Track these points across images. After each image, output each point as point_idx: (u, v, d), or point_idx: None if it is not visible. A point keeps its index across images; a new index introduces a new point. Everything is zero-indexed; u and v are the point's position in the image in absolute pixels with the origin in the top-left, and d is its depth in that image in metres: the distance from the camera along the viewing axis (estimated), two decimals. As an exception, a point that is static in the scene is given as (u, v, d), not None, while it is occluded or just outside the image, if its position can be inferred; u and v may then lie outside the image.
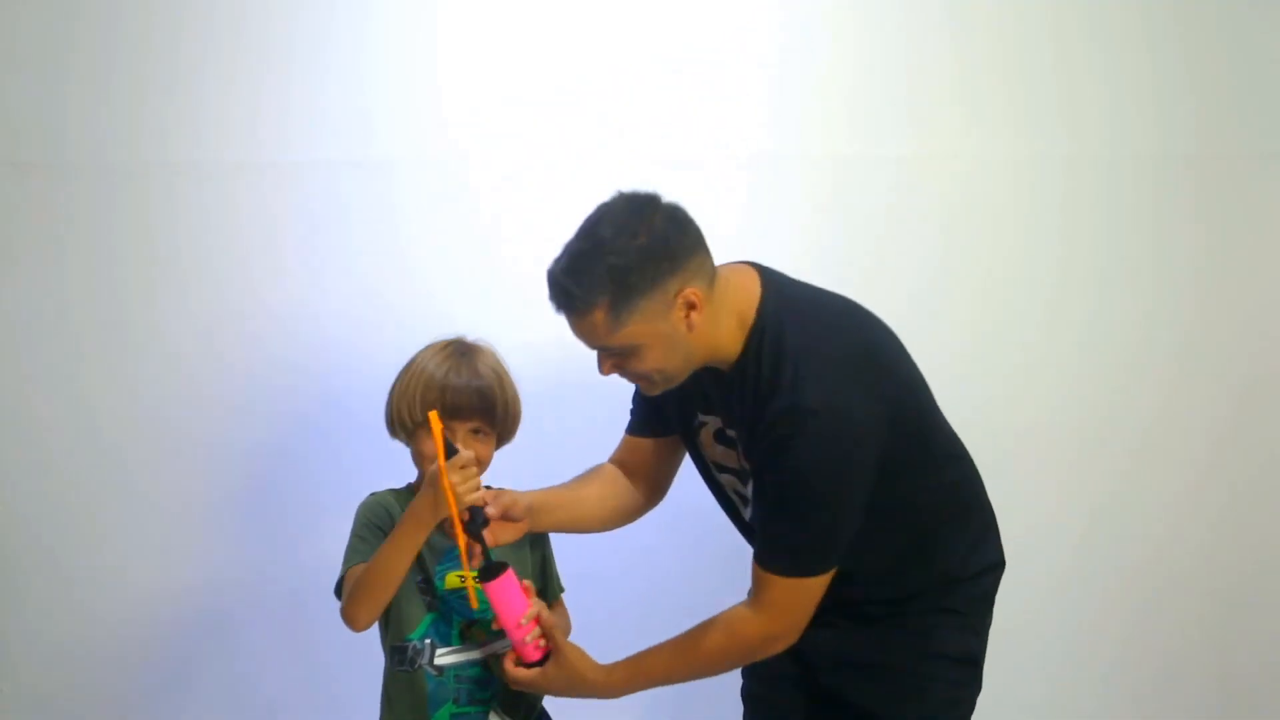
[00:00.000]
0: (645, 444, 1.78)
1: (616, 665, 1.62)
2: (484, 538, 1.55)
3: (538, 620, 1.58)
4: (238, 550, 2.24)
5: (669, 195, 1.51)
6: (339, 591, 1.63)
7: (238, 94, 2.18)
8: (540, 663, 1.59)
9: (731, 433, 1.61)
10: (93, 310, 2.20)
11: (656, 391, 1.58)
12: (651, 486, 1.81)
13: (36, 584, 2.24)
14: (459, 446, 1.55)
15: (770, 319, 1.53)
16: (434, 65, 2.21)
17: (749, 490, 1.62)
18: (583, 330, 1.51)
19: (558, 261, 1.51)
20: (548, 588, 1.75)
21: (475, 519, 1.54)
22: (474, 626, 1.64)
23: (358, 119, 2.20)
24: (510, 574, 1.54)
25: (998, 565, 1.71)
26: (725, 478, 1.69)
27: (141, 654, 2.25)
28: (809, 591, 1.54)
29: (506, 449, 1.69)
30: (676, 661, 1.60)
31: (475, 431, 1.62)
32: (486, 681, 1.65)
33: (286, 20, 2.19)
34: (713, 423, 1.65)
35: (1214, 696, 2.39)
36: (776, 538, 1.54)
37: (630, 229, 1.46)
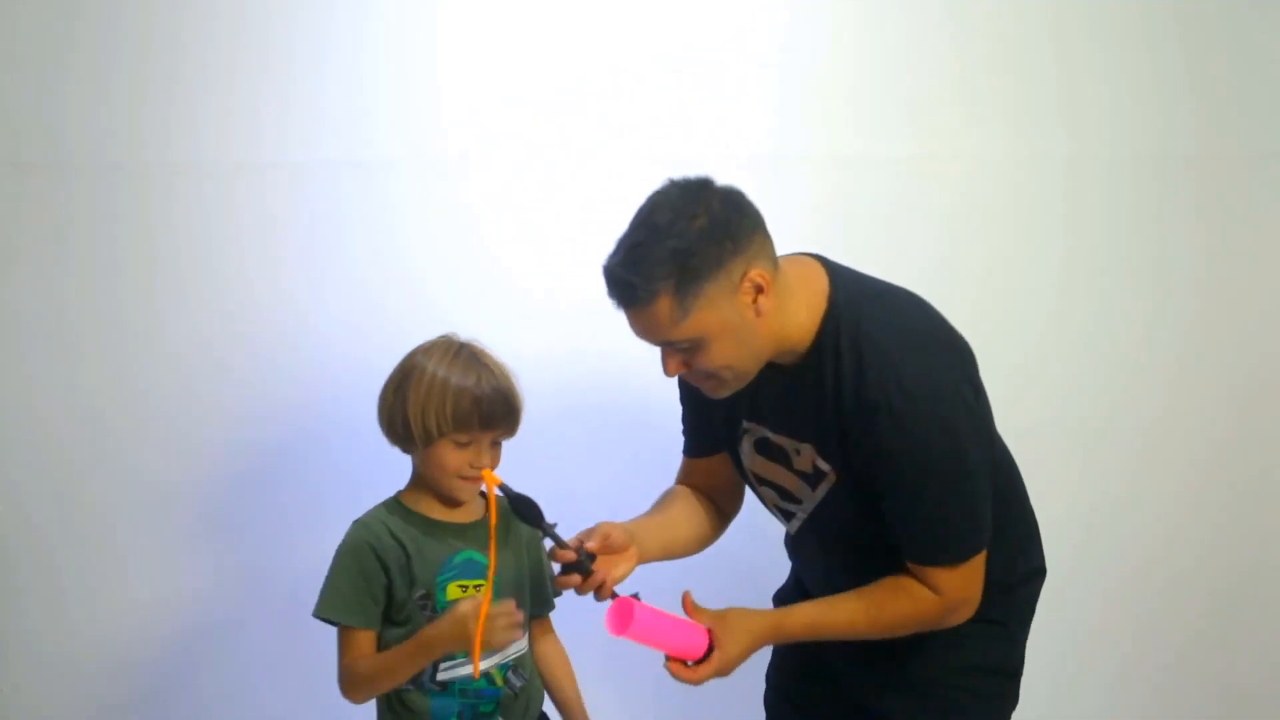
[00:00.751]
0: (703, 463, 1.72)
1: (790, 614, 1.54)
2: (593, 575, 1.48)
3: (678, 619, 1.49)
4: (238, 550, 2.24)
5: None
6: (321, 615, 1.59)
7: (238, 94, 2.18)
8: (709, 652, 1.48)
9: (779, 440, 1.55)
10: (92, 310, 2.20)
11: (726, 393, 1.49)
12: (725, 500, 1.74)
13: (35, 584, 2.23)
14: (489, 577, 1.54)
15: (844, 306, 1.46)
16: (434, 65, 2.21)
17: (799, 503, 1.56)
18: (646, 324, 1.42)
19: (613, 256, 1.43)
20: (544, 597, 1.72)
21: (582, 561, 1.48)
22: None
23: (358, 119, 2.20)
24: (640, 605, 1.45)
25: (1040, 572, 1.67)
26: (765, 491, 1.64)
27: (141, 656, 2.25)
28: (976, 568, 1.49)
29: (505, 453, 1.68)
30: (859, 618, 1.50)
31: (494, 442, 1.60)
32: (490, 694, 1.63)
33: (286, 20, 2.18)
34: (755, 431, 1.58)
35: (1216, 696, 2.39)
36: (927, 531, 1.47)
37: (687, 212, 1.39)
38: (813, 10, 2.23)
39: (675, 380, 1.61)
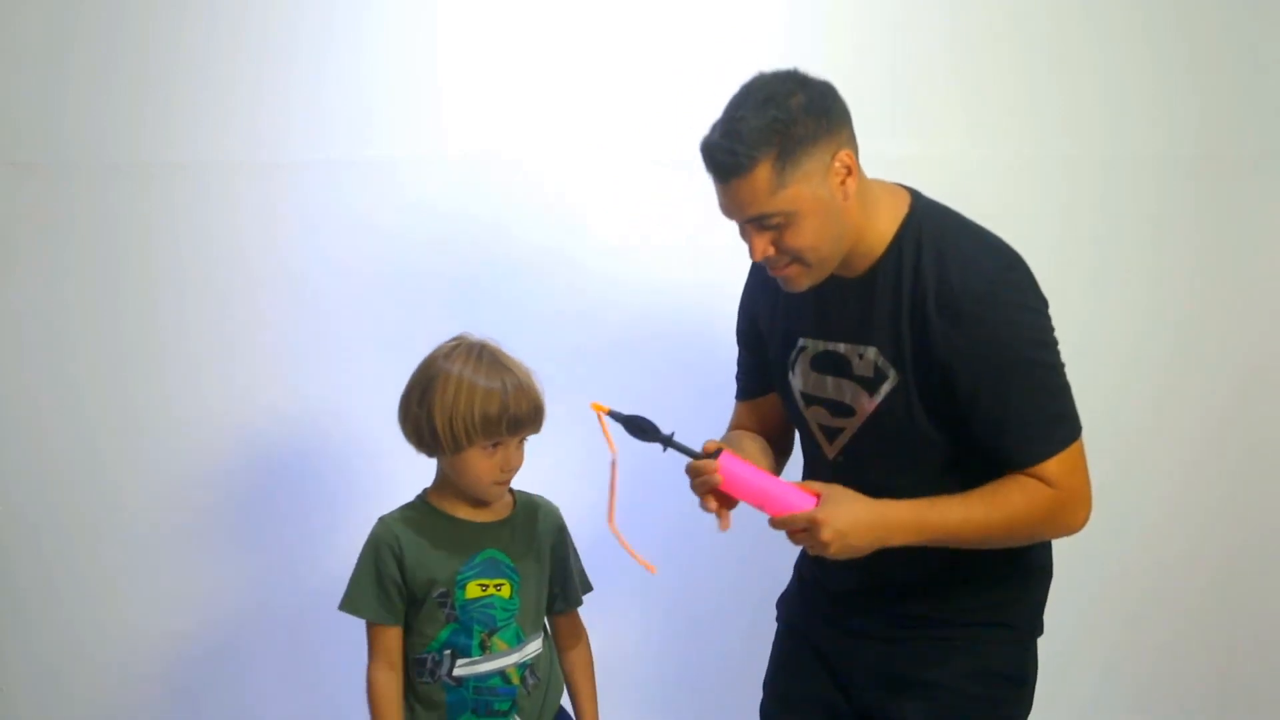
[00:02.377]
0: (755, 405, 1.75)
1: (895, 504, 1.47)
2: (685, 446, 1.49)
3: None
4: (237, 550, 2.24)
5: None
6: (344, 609, 1.64)
7: (238, 94, 2.19)
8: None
9: (840, 349, 1.55)
10: (91, 310, 2.20)
11: (805, 284, 1.50)
12: (777, 439, 1.74)
13: (33, 584, 2.24)
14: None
15: (924, 214, 1.53)
16: (434, 65, 2.21)
17: (852, 415, 1.55)
18: (744, 196, 1.44)
19: (712, 133, 1.46)
20: (565, 594, 1.73)
21: (642, 425, 1.50)
22: (493, 637, 1.63)
23: (358, 119, 2.20)
24: (727, 455, 1.46)
25: (1048, 574, 1.66)
26: (814, 411, 1.62)
27: (140, 656, 2.25)
28: (1079, 457, 1.49)
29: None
30: (975, 512, 1.46)
31: (521, 442, 1.63)
32: (506, 692, 1.64)
33: (287, 20, 2.19)
34: (813, 347, 1.59)
35: (1211, 689, 2.40)
36: (1021, 426, 1.46)
37: (785, 90, 1.44)
38: (812, 10, 2.23)
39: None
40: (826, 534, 1.41)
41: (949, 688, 1.57)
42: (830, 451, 1.61)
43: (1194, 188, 2.33)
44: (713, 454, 1.47)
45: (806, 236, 1.46)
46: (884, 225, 1.52)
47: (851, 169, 1.47)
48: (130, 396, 2.21)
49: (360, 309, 2.21)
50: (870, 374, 1.53)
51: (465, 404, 1.56)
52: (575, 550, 1.76)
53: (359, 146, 2.20)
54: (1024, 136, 2.29)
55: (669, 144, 2.20)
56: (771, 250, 1.48)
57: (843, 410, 1.57)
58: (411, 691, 1.65)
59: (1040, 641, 1.65)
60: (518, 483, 1.73)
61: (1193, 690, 2.39)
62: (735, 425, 1.78)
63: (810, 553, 1.47)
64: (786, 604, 1.80)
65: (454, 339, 1.66)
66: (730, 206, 1.48)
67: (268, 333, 2.21)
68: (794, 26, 2.24)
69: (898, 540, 1.45)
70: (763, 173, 1.42)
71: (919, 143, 2.26)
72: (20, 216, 2.19)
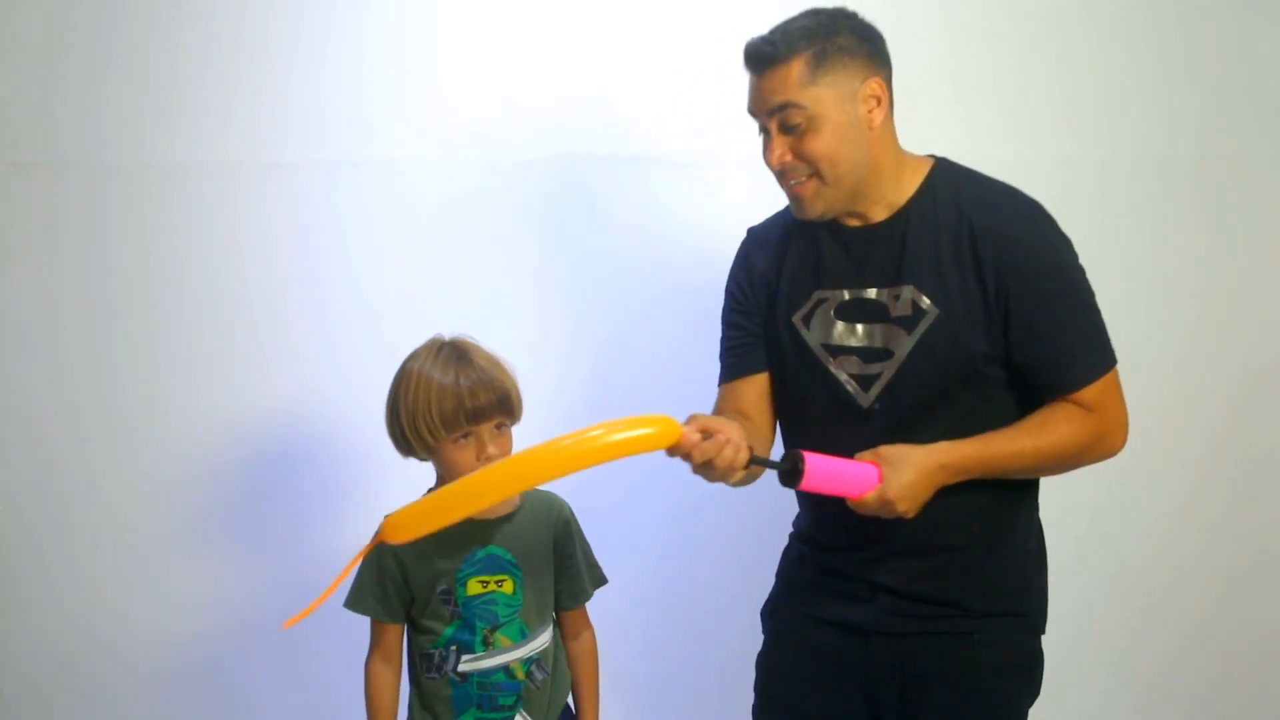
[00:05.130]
0: (740, 387, 1.70)
1: (952, 447, 1.50)
2: (765, 460, 1.47)
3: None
4: (236, 550, 2.24)
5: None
6: (347, 607, 1.65)
7: (237, 94, 2.19)
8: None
9: (871, 294, 1.57)
10: (90, 310, 2.20)
11: (818, 207, 1.55)
12: (761, 431, 1.70)
13: (32, 584, 2.23)
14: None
15: (951, 165, 1.62)
16: (433, 65, 2.21)
17: (889, 356, 1.55)
18: (773, 83, 1.53)
19: (757, 36, 1.57)
20: (571, 591, 1.73)
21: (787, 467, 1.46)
22: (496, 632, 1.63)
23: (357, 119, 2.21)
24: (810, 459, 1.44)
25: (1045, 558, 1.68)
26: (842, 360, 1.60)
27: (139, 656, 2.25)
28: (1116, 384, 1.57)
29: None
30: (1025, 444, 1.52)
31: (498, 427, 1.61)
32: (510, 687, 1.64)
33: (286, 20, 2.19)
34: (835, 297, 1.60)
35: (1214, 692, 2.39)
36: (1065, 350, 1.53)
37: (837, 12, 1.55)
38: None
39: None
40: (901, 506, 1.45)
41: (970, 683, 1.57)
42: (866, 400, 1.59)
43: (1193, 188, 2.33)
44: (796, 457, 1.45)
45: (825, 143, 1.51)
46: (909, 176, 1.59)
47: (881, 100, 1.54)
48: (129, 396, 2.21)
49: (359, 309, 2.21)
50: (909, 312, 1.55)
51: (424, 401, 1.57)
52: (586, 545, 1.75)
53: (359, 146, 2.20)
54: (1023, 137, 2.29)
55: (669, 144, 2.22)
56: (789, 156, 1.54)
57: (877, 355, 1.57)
58: (415, 687, 1.67)
59: (1045, 644, 1.65)
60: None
61: (1196, 694, 2.39)
62: (719, 410, 1.72)
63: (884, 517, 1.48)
64: (772, 611, 1.77)
65: (427, 340, 1.66)
66: (758, 99, 1.56)
67: (266, 333, 2.21)
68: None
69: (955, 480, 1.50)
70: (796, 65, 1.51)
71: (918, 143, 2.25)
72: (20, 216, 2.19)
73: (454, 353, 1.61)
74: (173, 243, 2.20)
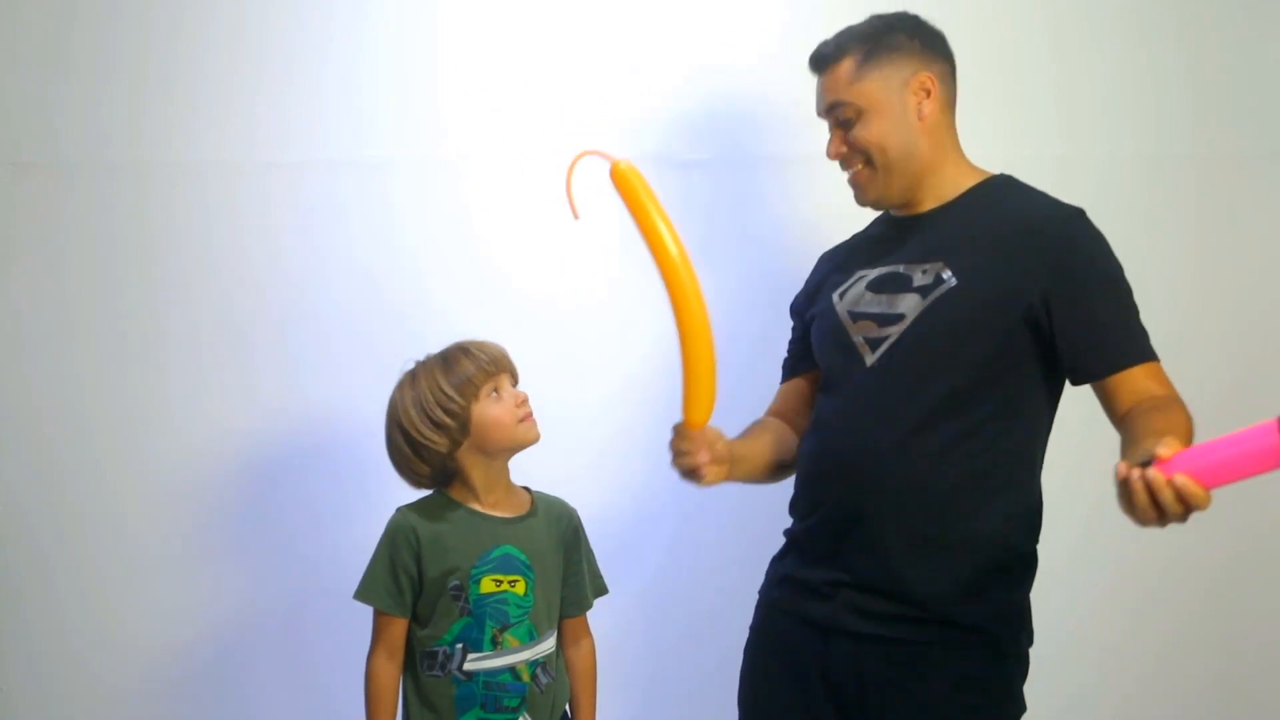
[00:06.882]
0: (801, 384, 1.81)
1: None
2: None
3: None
4: (239, 551, 2.24)
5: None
6: (358, 598, 1.66)
7: (237, 94, 2.19)
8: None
9: (904, 268, 1.63)
10: (91, 310, 2.20)
11: (873, 193, 1.66)
12: (801, 420, 1.79)
13: (33, 585, 2.23)
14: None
15: (1010, 179, 1.69)
16: (432, 66, 2.22)
17: (899, 320, 1.59)
18: (826, 84, 1.66)
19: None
20: (575, 599, 1.73)
21: None
22: (505, 633, 1.64)
23: (356, 119, 2.21)
24: (1178, 454, 1.35)
25: (1033, 563, 1.66)
26: (860, 325, 1.65)
27: (140, 657, 2.24)
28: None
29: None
30: (1182, 432, 1.55)
31: (512, 381, 1.67)
32: (516, 689, 1.65)
33: (286, 21, 2.19)
34: (872, 273, 1.68)
35: (1211, 691, 2.40)
36: (1123, 327, 1.58)
37: (897, 15, 1.66)
38: (811, 11, 2.24)
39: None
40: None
41: (928, 699, 1.54)
42: (870, 359, 1.63)
43: (1189, 188, 2.34)
44: (1151, 462, 1.38)
45: (873, 131, 1.62)
46: (965, 174, 1.67)
47: (931, 92, 1.62)
48: (130, 396, 2.21)
49: (360, 309, 2.21)
50: (930, 281, 1.60)
51: (433, 385, 1.62)
52: (591, 554, 1.77)
53: (359, 146, 2.21)
54: (1019, 137, 2.30)
55: (670, 144, 2.22)
56: (844, 148, 1.65)
57: (890, 319, 1.62)
58: (414, 687, 1.65)
59: (1041, 645, 1.65)
60: (535, 484, 1.75)
61: (1192, 692, 2.40)
62: (775, 409, 1.83)
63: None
64: (758, 605, 1.77)
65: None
66: (818, 99, 1.68)
67: (268, 333, 2.21)
68: (791, 27, 2.24)
69: None
70: (846, 65, 1.63)
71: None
72: (20, 216, 2.19)
73: (429, 357, 1.66)
74: (173, 242, 2.20)
